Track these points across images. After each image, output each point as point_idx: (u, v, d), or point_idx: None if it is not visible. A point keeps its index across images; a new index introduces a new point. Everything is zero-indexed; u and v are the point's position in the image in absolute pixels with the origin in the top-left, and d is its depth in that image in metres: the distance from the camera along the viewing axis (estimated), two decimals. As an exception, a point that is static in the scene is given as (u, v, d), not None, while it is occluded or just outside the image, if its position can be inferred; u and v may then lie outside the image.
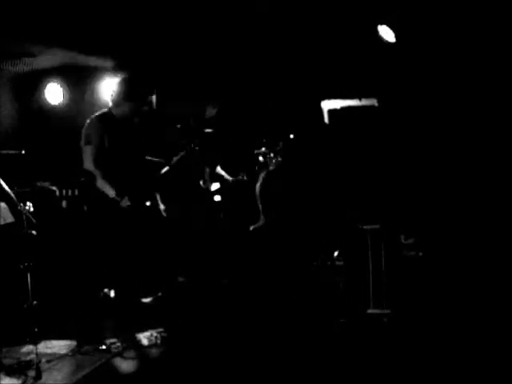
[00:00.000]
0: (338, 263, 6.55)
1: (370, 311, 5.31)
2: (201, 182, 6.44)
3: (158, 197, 5.53)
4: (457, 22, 6.70)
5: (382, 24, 6.84)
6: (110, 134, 4.96)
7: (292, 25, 6.83)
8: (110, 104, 5.07)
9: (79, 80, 6.44)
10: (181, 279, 6.07)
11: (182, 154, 5.59)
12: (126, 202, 4.87)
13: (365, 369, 4.14)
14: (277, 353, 4.48)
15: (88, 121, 4.99)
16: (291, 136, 6.85)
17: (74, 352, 4.60)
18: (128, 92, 5.03)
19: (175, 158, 5.41)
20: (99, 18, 5.47)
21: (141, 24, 5.93)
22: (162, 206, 5.53)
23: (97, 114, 5.05)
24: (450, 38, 6.93)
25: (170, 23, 6.05)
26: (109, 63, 6.23)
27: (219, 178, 6.65)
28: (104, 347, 4.63)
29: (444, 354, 4.28)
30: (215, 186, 6.65)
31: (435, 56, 7.18)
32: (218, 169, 6.68)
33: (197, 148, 6.02)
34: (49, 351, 4.57)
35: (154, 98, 6.21)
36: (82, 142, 4.95)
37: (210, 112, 6.65)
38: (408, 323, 5.01)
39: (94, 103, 5.22)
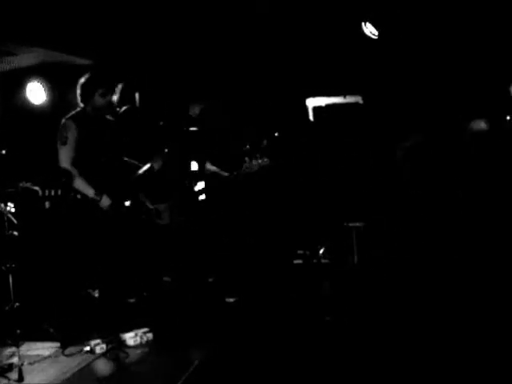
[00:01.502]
0: (323, 261, 6.55)
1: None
2: (186, 181, 6.39)
3: (143, 196, 5.49)
4: (440, 18, 6.72)
5: (365, 21, 6.85)
6: (86, 133, 4.92)
7: (276, 23, 6.82)
8: (80, 102, 5.03)
9: (62, 79, 6.37)
10: (166, 279, 6.03)
11: (164, 152, 5.54)
12: (105, 201, 4.84)
13: (351, 366, 4.14)
14: (263, 351, 4.47)
15: (63, 120, 4.95)
16: (276, 134, 6.83)
17: (57, 354, 4.56)
18: (89, 88, 4.99)
19: (156, 157, 5.36)
20: (80, 17, 5.42)
21: (123, 22, 5.89)
22: (150, 206, 5.50)
23: (71, 113, 5.01)
24: (433, 34, 6.95)
25: (153, 21, 6.02)
26: (90, 62, 6.17)
27: (212, 175, 6.56)
28: (88, 348, 4.59)
29: (427, 352, 4.29)
30: (200, 186, 6.61)
31: (419, 53, 7.20)
32: (209, 165, 6.60)
33: (180, 147, 5.98)
34: (32, 353, 4.52)
35: (136, 96, 6.17)
36: (58, 143, 4.90)
37: (195, 110, 6.61)
38: (388, 321, 5.02)
39: (75, 102, 5.15)
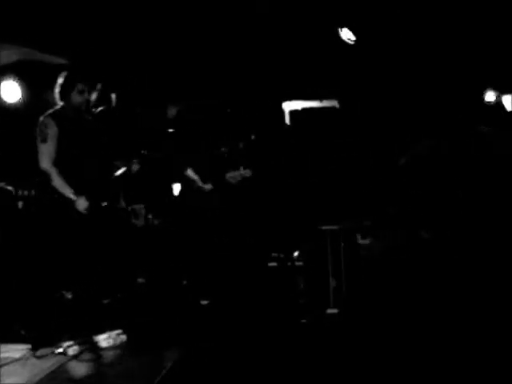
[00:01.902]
0: (297, 264, 6.57)
1: (329, 311, 5.34)
2: (162, 184, 6.37)
3: (120, 197, 5.46)
4: (416, 23, 6.79)
5: (342, 26, 6.90)
6: (65, 132, 4.88)
7: (254, 27, 6.85)
8: (58, 100, 5.00)
9: (38, 78, 6.32)
10: (140, 280, 6.01)
11: (141, 153, 5.53)
12: (83, 203, 4.80)
13: (325, 369, 4.16)
14: (236, 352, 4.47)
15: (41, 118, 4.90)
16: (252, 137, 6.84)
17: (28, 356, 4.48)
18: (67, 85, 4.96)
19: (134, 160, 5.35)
20: (57, 15, 5.38)
21: (100, 22, 5.87)
22: (126, 207, 5.47)
23: (50, 111, 4.96)
24: (409, 40, 7.03)
25: (129, 22, 6.00)
26: (67, 61, 6.13)
27: (190, 182, 6.48)
28: (60, 350, 4.53)
29: (399, 353, 4.32)
30: (176, 188, 6.59)
31: (395, 57, 7.28)
32: (190, 172, 6.50)
33: (157, 148, 5.97)
34: (2, 355, 4.45)
35: (113, 96, 6.13)
36: (38, 140, 4.85)
37: (171, 112, 6.59)
38: (364, 322, 5.05)
39: (52, 101, 5.11)
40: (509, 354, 4.17)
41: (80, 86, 4.96)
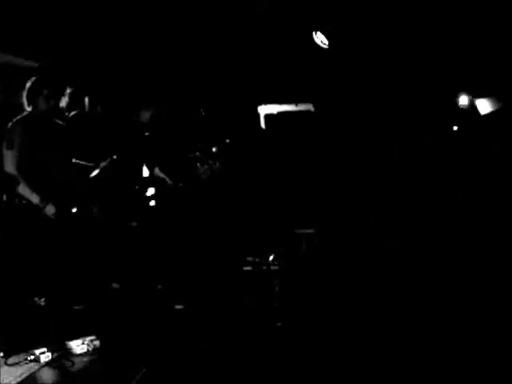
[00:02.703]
0: (273, 267, 6.58)
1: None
2: (136, 186, 6.33)
3: (91, 202, 5.42)
4: (389, 28, 6.85)
5: (316, 30, 6.93)
6: (32, 138, 4.85)
7: (229, 30, 6.85)
8: (26, 105, 4.96)
9: (9, 81, 6.25)
10: (114, 285, 5.96)
11: (113, 157, 5.48)
12: (50, 210, 4.77)
13: (300, 372, 4.17)
14: (210, 357, 4.46)
15: (10, 124, 4.87)
16: (227, 140, 6.84)
17: (0, 363, 4.44)
18: (34, 90, 4.93)
19: (105, 162, 5.31)
20: (27, 18, 5.34)
21: (73, 25, 5.83)
22: (95, 210, 5.43)
23: (18, 117, 4.93)
24: (382, 43, 7.08)
25: (102, 25, 5.97)
26: (38, 64, 6.07)
27: (159, 181, 6.53)
28: (33, 357, 4.49)
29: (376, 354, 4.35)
30: (150, 191, 6.56)
31: (369, 61, 7.33)
32: (157, 171, 6.57)
33: (130, 152, 5.93)
34: (-27, 363, 4.40)
35: (86, 100, 6.09)
36: (4, 147, 4.81)
37: (145, 116, 6.56)
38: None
39: (22, 106, 5.07)
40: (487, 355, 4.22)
41: (46, 92, 4.93)
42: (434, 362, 4.21)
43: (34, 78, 4.96)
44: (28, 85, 4.94)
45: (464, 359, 4.21)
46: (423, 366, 4.14)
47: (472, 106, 8.02)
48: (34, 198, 4.75)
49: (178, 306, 5.66)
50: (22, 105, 5.04)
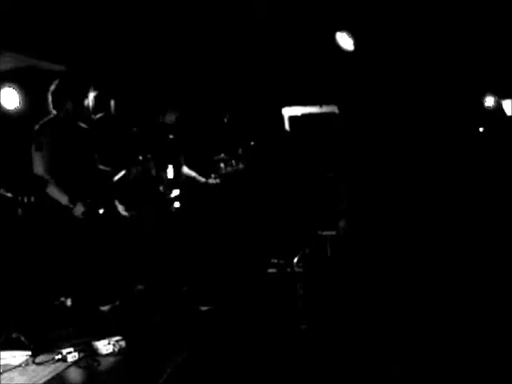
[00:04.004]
0: (297, 270, 6.56)
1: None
2: (161, 188, 6.36)
3: (117, 203, 5.47)
4: (415, 29, 6.80)
5: (340, 32, 6.91)
6: (60, 140, 4.90)
7: (253, 33, 6.86)
8: (51, 108, 5.02)
9: (35, 84, 6.32)
10: (140, 287, 5.99)
11: (139, 159, 5.53)
12: (79, 210, 4.82)
13: (325, 374, 4.15)
14: (236, 359, 4.46)
15: (37, 126, 4.93)
16: (252, 143, 6.85)
17: (27, 362, 4.48)
18: (59, 95, 4.97)
19: (130, 165, 5.35)
20: (53, 21, 5.39)
21: (98, 28, 5.87)
22: (124, 213, 5.47)
23: (45, 119, 4.98)
24: (408, 45, 7.04)
25: (128, 28, 6.01)
26: (64, 67, 6.13)
27: (188, 180, 6.55)
28: (60, 357, 4.53)
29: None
30: (175, 193, 6.59)
31: (393, 63, 7.29)
32: (186, 169, 6.59)
33: (155, 154, 5.97)
34: (2, 362, 4.44)
35: (112, 103, 6.15)
36: (33, 148, 4.87)
37: (170, 118, 6.59)
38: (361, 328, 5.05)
39: (47, 109, 5.13)
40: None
41: (71, 96, 4.98)
42: (446, 363, 4.17)
43: (57, 81, 5.01)
44: (52, 88, 4.99)
45: (467, 358, 4.17)
46: (438, 367, 4.11)
47: (498, 107, 7.94)
48: (63, 199, 4.80)
49: (203, 308, 5.67)
50: (47, 108, 5.11)
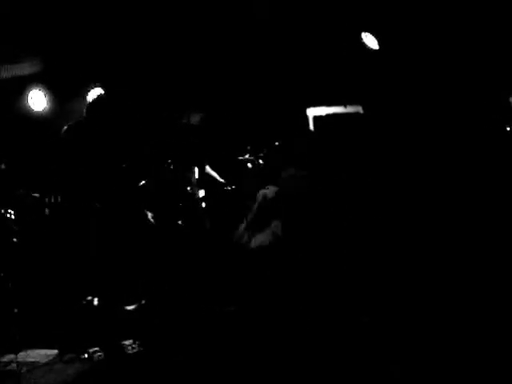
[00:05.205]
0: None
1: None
2: (188, 188, 6.37)
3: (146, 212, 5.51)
4: (440, 28, 6.75)
5: (365, 32, 6.88)
6: (85, 142, 4.93)
7: (278, 33, 6.86)
8: (85, 113, 5.04)
9: (62, 86, 6.40)
10: (166, 287, 6.01)
11: (168, 163, 5.56)
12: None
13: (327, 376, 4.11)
14: (259, 363, 4.44)
15: (65, 127, 4.95)
16: (276, 143, 6.83)
17: (55, 361, 4.54)
18: (97, 107, 5.00)
19: (158, 166, 5.38)
20: (81, 27, 5.45)
21: (124, 31, 5.92)
22: (149, 214, 5.50)
23: (72, 122, 5.00)
24: (433, 44, 6.98)
25: (153, 30, 6.05)
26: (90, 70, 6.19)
27: (210, 180, 6.57)
28: (86, 356, 4.57)
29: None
30: (201, 193, 6.62)
31: (419, 63, 7.23)
32: (208, 169, 6.62)
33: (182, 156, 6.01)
34: (30, 360, 4.50)
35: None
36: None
37: (195, 119, 6.62)
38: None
39: (78, 110, 5.17)
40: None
41: (108, 110, 5.01)
42: (435, 361, 4.11)
43: (99, 93, 5.03)
44: (91, 98, 5.01)
45: (467, 358, 4.11)
46: (425, 365, 4.05)
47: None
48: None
49: (229, 308, 5.66)
50: (75, 110, 5.15)
